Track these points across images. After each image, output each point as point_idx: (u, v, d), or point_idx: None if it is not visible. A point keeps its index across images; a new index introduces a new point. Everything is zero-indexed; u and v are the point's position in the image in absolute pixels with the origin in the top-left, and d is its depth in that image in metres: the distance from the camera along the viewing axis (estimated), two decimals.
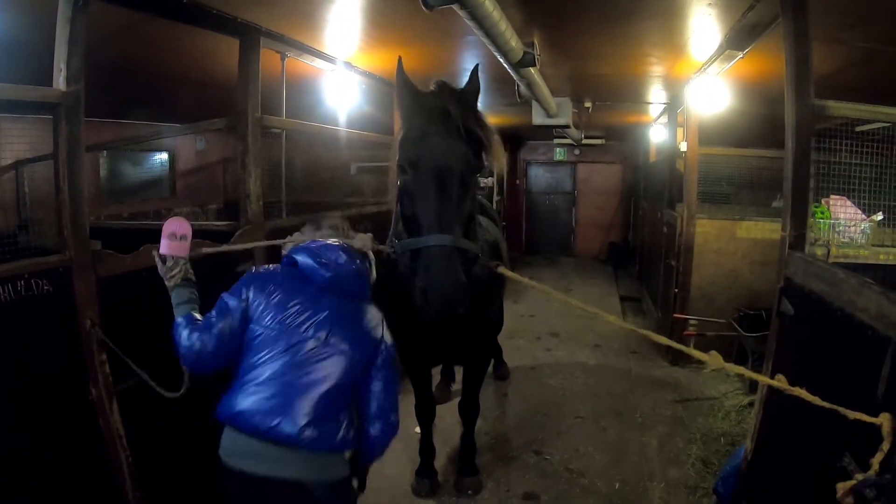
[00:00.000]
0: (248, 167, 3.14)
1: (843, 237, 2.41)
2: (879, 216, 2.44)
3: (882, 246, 2.43)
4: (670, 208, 5.99)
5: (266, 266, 1.91)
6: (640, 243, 9.47)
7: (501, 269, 2.00)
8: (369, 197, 5.34)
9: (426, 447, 3.21)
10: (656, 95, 5.83)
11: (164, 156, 5.74)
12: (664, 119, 7.04)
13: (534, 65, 3.60)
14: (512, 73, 3.92)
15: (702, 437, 3.75)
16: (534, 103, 5.72)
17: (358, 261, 1.80)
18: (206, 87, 4.54)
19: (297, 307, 1.68)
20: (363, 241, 1.82)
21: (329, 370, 1.65)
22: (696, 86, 4.41)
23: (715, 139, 5.18)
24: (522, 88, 4.59)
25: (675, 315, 5.07)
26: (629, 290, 8.73)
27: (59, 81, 2.05)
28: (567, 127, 6.34)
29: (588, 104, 6.15)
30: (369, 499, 2.94)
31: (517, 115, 7.21)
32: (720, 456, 3.46)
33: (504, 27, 2.88)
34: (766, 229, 4.70)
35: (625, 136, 10.39)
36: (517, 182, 11.93)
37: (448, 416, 4.05)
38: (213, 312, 1.72)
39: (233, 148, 6.42)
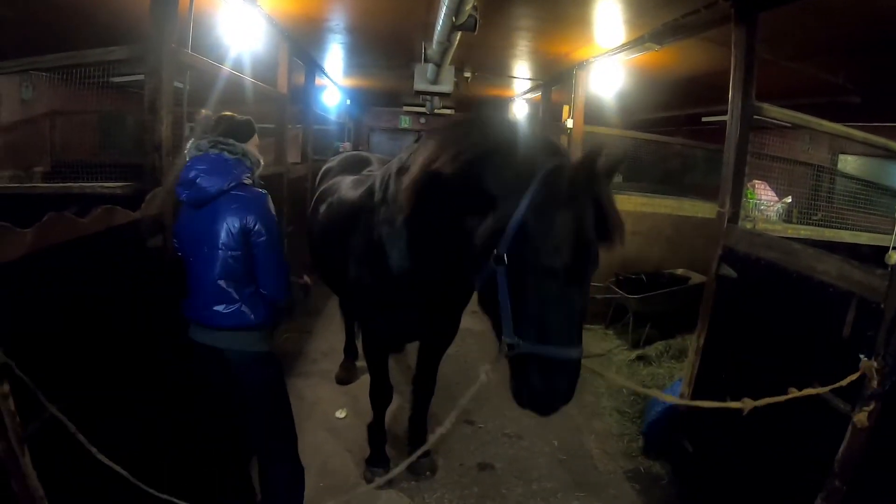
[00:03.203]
0: (158, 111, 2.63)
1: (763, 214, 3.15)
2: (788, 199, 3.25)
3: (789, 222, 3.20)
4: None
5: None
6: None
7: None
8: None
9: (378, 434, 3.22)
10: (536, 71, 6.40)
11: None
12: (531, 95, 7.72)
13: (473, 30, 3.59)
14: (441, 35, 3.95)
15: (607, 391, 4.44)
16: (417, 68, 5.86)
17: None
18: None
19: None
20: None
21: None
22: (592, 68, 5.02)
23: (598, 119, 5.95)
24: (432, 52, 4.65)
25: None
26: None
27: None
28: (449, 95, 6.59)
29: (468, 74, 6.50)
30: (319, 496, 2.94)
31: (390, 78, 7.27)
32: (629, 405, 4.17)
33: None
34: (637, 203, 5.60)
35: (474, 107, 11.02)
36: (360, 148, 11.92)
37: (362, 395, 4.15)
38: None
39: (64, 99, 5.39)
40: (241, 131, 2.43)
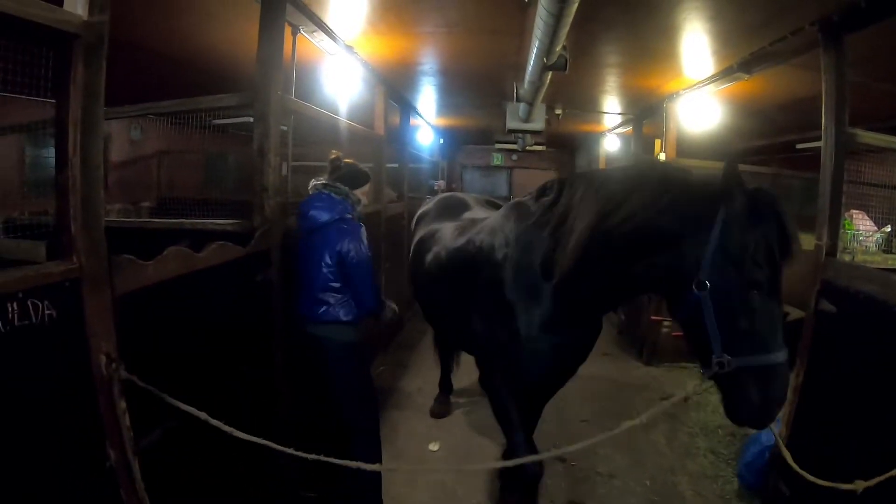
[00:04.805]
0: (266, 155, 2.84)
1: (862, 246, 3.00)
2: (888, 228, 3.08)
3: (889, 252, 3.02)
4: None
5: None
6: None
7: None
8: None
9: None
10: (626, 106, 6.42)
11: None
12: (621, 129, 7.71)
13: (564, 69, 3.66)
14: (532, 75, 4.05)
15: (702, 431, 4.27)
16: (509, 107, 6.06)
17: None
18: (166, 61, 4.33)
19: None
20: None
21: None
22: (682, 100, 5.00)
23: (690, 151, 5.85)
24: (523, 91, 4.78)
25: (652, 318, 5.63)
26: None
27: (78, 5, 1.53)
28: (541, 132, 6.73)
29: (559, 111, 6.62)
30: None
31: (482, 117, 7.56)
32: (724, 446, 3.99)
33: (567, 26, 2.88)
34: None
35: (564, 143, 11.11)
36: (453, 186, 12.31)
37: (455, 429, 4.28)
38: None
39: (170, 139, 6.16)
40: (358, 179, 3.05)
